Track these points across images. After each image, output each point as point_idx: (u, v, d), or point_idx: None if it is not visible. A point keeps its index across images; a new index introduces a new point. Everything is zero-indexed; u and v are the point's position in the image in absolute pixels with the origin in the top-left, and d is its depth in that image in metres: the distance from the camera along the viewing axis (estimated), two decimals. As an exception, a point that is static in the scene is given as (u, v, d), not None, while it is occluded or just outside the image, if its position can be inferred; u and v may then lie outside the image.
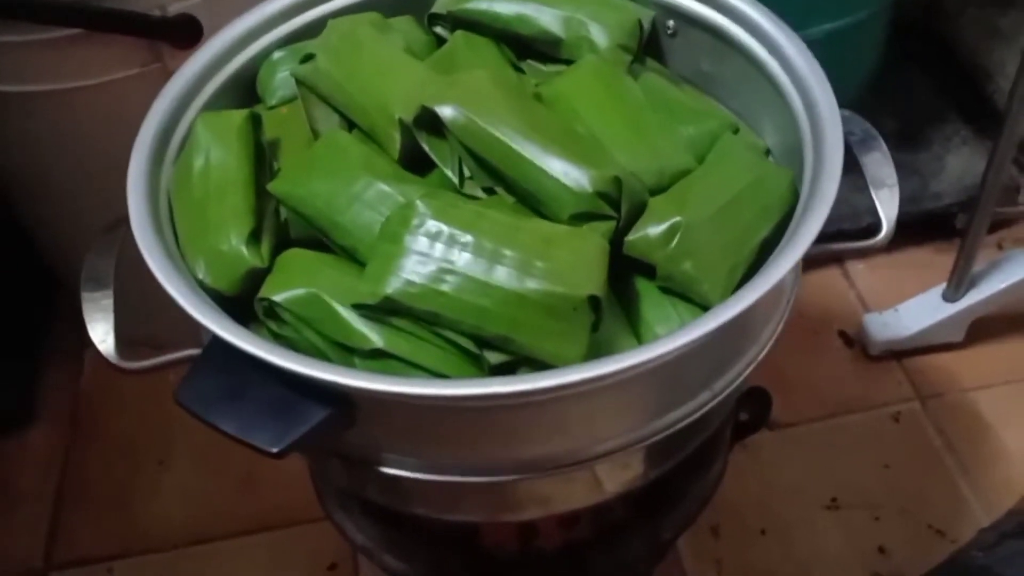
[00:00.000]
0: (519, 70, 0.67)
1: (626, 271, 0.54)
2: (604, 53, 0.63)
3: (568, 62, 0.66)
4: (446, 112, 0.54)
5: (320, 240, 0.57)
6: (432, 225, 0.50)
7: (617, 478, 0.59)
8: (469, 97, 0.55)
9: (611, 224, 0.52)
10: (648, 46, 0.69)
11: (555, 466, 0.53)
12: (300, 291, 0.52)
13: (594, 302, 0.49)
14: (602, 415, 0.52)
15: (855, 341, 1.11)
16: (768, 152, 0.67)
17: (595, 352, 0.50)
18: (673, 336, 0.47)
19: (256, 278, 0.55)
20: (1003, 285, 1.03)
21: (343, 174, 0.56)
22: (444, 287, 0.49)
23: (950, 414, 1.04)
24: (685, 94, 0.66)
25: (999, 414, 1.03)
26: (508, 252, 0.49)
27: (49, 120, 0.93)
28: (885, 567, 0.92)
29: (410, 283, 0.49)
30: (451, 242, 0.49)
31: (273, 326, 0.54)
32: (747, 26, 0.66)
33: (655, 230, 0.52)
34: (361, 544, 0.73)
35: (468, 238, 0.49)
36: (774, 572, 0.93)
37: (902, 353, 1.08)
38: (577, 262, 0.49)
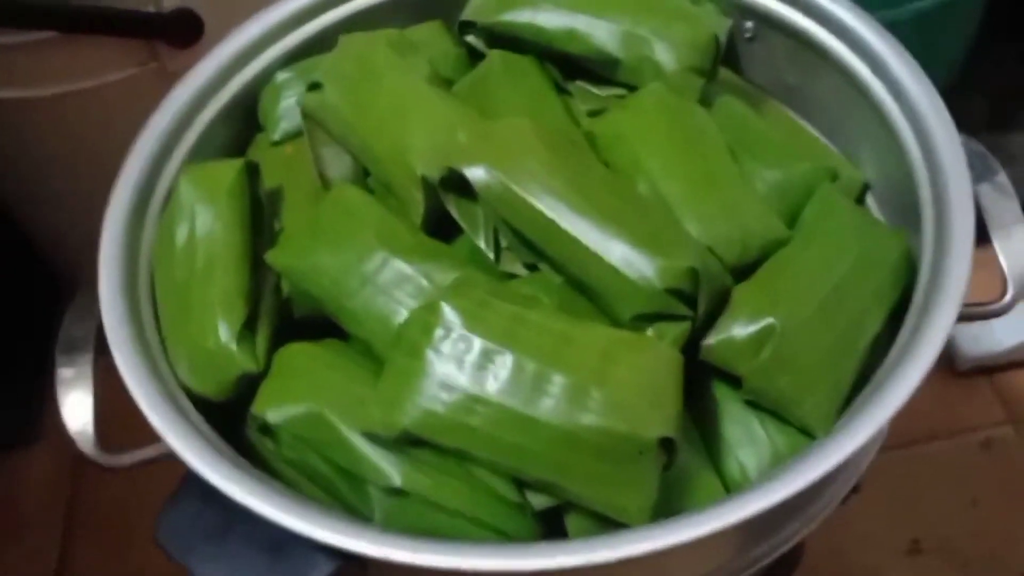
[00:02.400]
0: (565, 92, 0.56)
1: (699, 374, 0.44)
2: (671, 78, 0.52)
3: (626, 85, 0.54)
4: (477, 175, 0.44)
5: (330, 321, 0.48)
6: (460, 337, 0.40)
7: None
8: (506, 155, 0.44)
9: (685, 326, 0.42)
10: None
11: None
12: (300, 409, 0.43)
13: (667, 444, 0.39)
14: (673, 566, 0.42)
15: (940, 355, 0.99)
16: (866, 187, 0.56)
17: (664, 492, 0.40)
18: (771, 487, 0.37)
19: (251, 380, 0.45)
20: (1115, 298, 0.90)
21: (354, 246, 0.46)
22: (474, 420, 0.39)
23: (1047, 441, 0.93)
24: (768, 122, 0.55)
25: (1103, 442, 0.92)
26: (556, 376, 0.38)
27: (43, 127, 0.84)
28: (974, 624, 0.83)
29: (432, 413, 0.39)
30: (484, 361, 0.39)
31: (270, 445, 0.45)
32: (843, 35, 0.54)
33: (742, 333, 0.41)
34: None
35: (506, 357, 0.39)
36: (849, 627, 0.84)
37: (994, 369, 0.97)
38: (644, 389, 0.39)
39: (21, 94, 0.79)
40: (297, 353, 0.45)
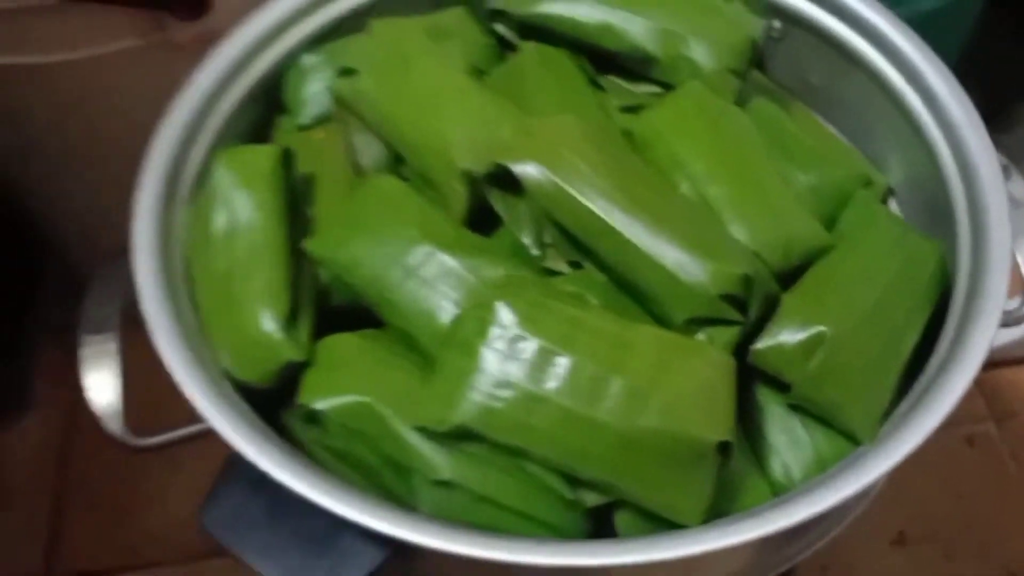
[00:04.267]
0: (598, 87, 0.56)
1: (744, 378, 0.45)
2: (709, 78, 0.52)
3: (661, 82, 0.54)
4: (527, 172, 0.44)
5: (365, 309, 0.47)
6: (518, 337, 0.40)
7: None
8: (554, 153, 0.44)
9: (735, 331, 0.42)
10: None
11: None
12: (349, 399, 0.43)
13: (723, 447, 0.39)
14: (715, 563, 0.43)
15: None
16: (890, 192, 0.56)
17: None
18: (821, 493, 0.38)
19: (293, 369, 0.45)
20: (1100, 300, 0.93)
21: (395, 237, 0.46)
22: (534, 419, 0.39)
23: (1026, 437, 0.96)
24: (798, 124, 0.55)
25: (1081, 440, 0.95)
26: (615, 380, 0.39)
27: (41, 95, 0.82)
28: (958, 614, 0.85)
29: (489, 410, 0.39)
30: (542, 361, 0.39)
31: (315, 434, 0.44)
32: (874, 39, 0.55)
33: (791, 339, 0.42)
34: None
35: (564, 359, 0.39)
36: (836, 614, 0.86)
37: (978, 366, 0.99)
38: (701, 395, 0.39)
39: (21, 60, 0.76)
40: (342, 343, 0.45)
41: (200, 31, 0.75)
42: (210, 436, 0.45)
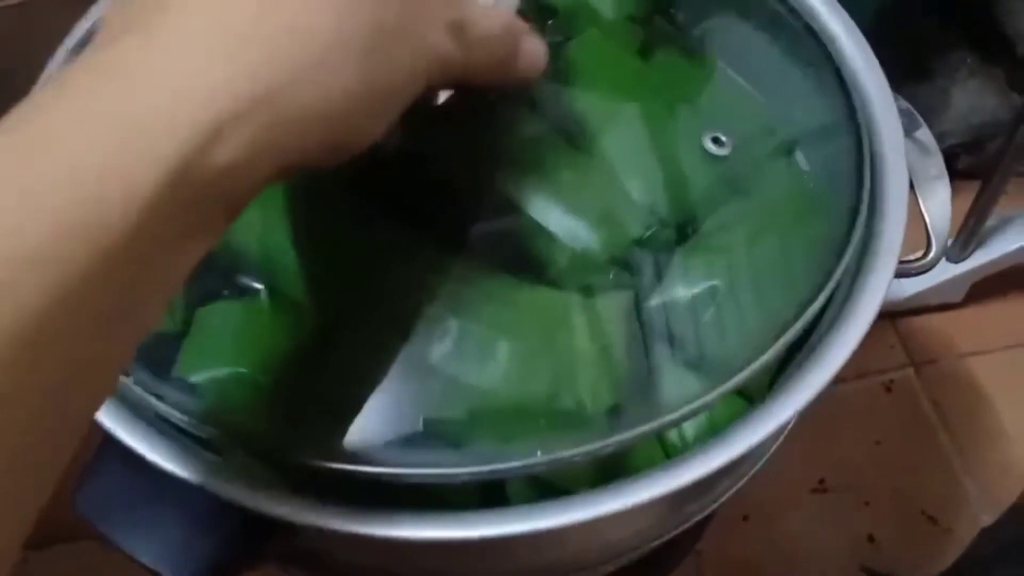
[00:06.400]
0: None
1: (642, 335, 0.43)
2: (610, 27, 0.51)
3: (561, 33, 0.53)
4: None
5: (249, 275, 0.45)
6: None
7: (618, 561, 0.50)
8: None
9: (628, 294, 0.41)
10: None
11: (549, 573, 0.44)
12: (224, 371, 0.41)
13: (614, 411, 0.38)
14: (612, 524, 0.42)
15: (849, 300, 1.02)
16: (795, 144, 0.55)
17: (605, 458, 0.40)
18: (711, 453, 0.37)
19: (167, 340, 0.43)
20: (1016, 246, 0.94)
21: (281, 198, 0.44)
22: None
23: (945, 383, 0.97)
24: (706, 76, 0.54)
25: (997, 384, 0.96)
26: (504, 343, 0.37)
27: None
28: (875, 558, 0.86)
29: (375, 380, 0.38)
30: (431, 325, 0.38)
31: (195, 406, 0.42)
32: (776, -14, 0.53)
33: (684, 295, 0.41)
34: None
35: (452, 322, 0.38)
36: (757, 562, 0.87)
37: (897, 315, 1.00)
38: (591, 355, 0.38)
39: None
40: (220, 312, 0.43)
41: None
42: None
